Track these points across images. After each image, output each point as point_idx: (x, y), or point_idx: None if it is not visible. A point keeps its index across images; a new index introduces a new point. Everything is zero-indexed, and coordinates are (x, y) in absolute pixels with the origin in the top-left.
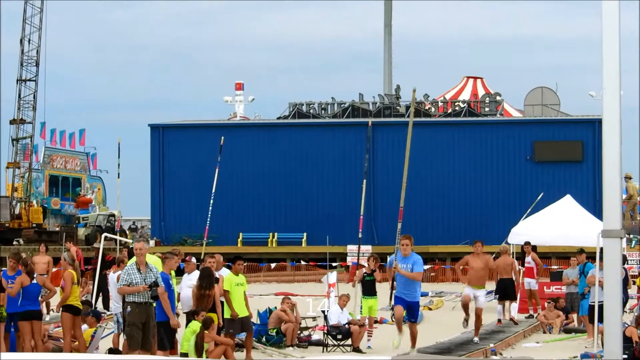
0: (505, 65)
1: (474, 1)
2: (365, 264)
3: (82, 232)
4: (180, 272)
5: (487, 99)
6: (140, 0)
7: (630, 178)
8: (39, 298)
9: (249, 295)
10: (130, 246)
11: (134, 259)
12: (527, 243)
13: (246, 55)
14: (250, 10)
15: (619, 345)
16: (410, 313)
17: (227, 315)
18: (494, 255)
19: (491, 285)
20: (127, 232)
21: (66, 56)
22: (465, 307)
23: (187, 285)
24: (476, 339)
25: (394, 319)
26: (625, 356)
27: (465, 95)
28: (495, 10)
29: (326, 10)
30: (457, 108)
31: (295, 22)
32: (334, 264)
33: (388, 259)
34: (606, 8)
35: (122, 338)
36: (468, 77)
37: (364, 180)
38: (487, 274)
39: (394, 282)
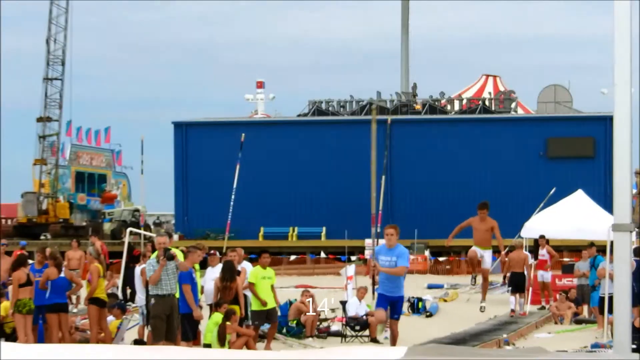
0: (520, 64)
1: (489, 2)
2: None
3: (107, 227)
4: (204, 266)
5: (502, 96)
6: (163, 2)
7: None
8: (67, 291)
9: None
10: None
11: (156, 252)
12: (542, 236)
13: (267, 54)
14: (271, 11)
15: (628, 336)
16: (393, 309)
17: (254, 307)
18: (507, 248)
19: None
20: (152, 227)
21: (92, 56)
22: (472, 262)
23: (210, 278)
24: (483, 303)
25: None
26: (634, 346)
27: (481, 92)
28: (510, 10)
29: (345, 11)
30: (472, 105)
31: (314, 22)
32: (352, 257)
33: (367, 252)
34: (618, 7)
35: (147, 329)
36: (485, 75)
37: (383, 176)
38: (490, 236)
39: (375, 278)
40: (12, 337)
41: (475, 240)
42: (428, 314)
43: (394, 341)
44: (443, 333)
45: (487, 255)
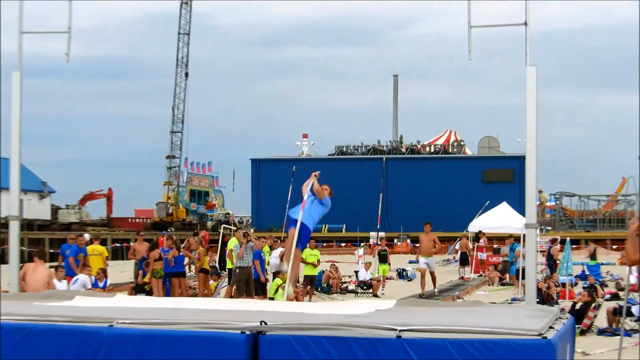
0: (468, 122)
1: (452, 83)
2: (379, 243)
3: (209, 224)
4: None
5: (455, 143)
6: (243, 84)
7: (541, 191)
8: (184, 263)
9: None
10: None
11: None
12: (480, 231)
13: (309, 116)
14: (310, 90)
15: (534, 293)
16: (298, 239)
17: (305, 272)
18: (458, 238)
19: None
20: (237, 223)
21: (201, 114)
22: (423, 276)
23: (274, 256)
24: (436, 290)
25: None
26: (538, 300)
27: (442, 141)
28: (463, 87)
29: (356, 89)
30: (437, 149)
31: (338, 96)
32: (361, 244)
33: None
34: (529, 88)
35: (233, 288)
36: (447, 130)
37: (381, 194)
38: (433, 247)
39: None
40: (149, 293)
41: (422, 250)
42: (409, 279)
43: (293, 276)
44: (419, 291)
45: (431, 262)
